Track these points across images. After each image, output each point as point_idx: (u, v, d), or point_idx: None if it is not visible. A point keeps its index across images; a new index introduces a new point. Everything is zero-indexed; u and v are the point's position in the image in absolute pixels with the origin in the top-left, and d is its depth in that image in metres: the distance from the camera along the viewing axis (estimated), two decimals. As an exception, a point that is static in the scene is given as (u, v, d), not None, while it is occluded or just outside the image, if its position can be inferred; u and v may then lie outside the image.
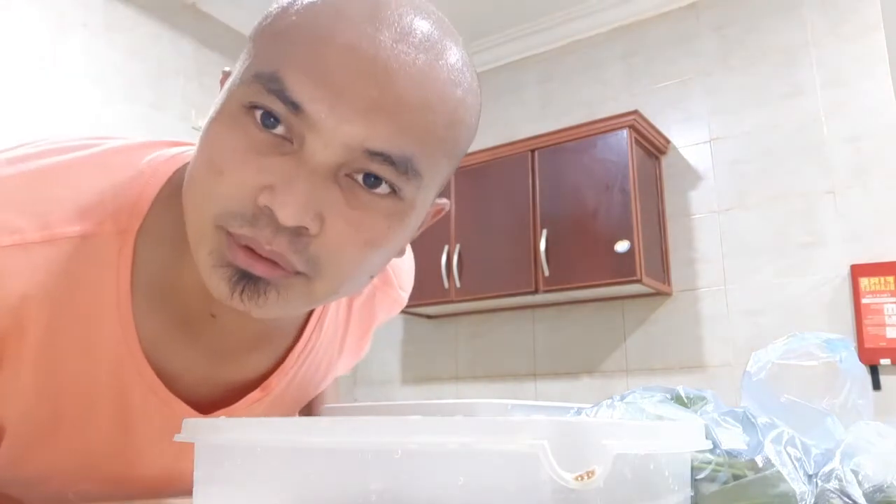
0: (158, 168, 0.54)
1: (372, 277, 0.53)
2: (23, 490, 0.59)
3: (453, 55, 0.47)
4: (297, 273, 0.46)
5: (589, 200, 2.72)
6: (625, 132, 2.70)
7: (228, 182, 0.44)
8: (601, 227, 2.66)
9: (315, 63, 0.43)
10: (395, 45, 0.44)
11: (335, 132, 0.43)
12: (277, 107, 0.43)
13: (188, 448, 0.53)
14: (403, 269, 0.77)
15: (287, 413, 0.68)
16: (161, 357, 0.55)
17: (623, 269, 2.59)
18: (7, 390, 0.50)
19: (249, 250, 0.45)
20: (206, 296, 0.51)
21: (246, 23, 3.21)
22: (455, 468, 0.32)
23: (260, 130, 0.44)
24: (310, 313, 0.63)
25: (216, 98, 0.49)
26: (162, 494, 0.63)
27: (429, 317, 3.40)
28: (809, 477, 0.43)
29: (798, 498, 0.41)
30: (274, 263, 0.45)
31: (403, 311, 3.22)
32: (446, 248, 3.01)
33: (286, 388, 0.64)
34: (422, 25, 0.46)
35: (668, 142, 2.94)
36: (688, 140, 2.92)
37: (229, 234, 0.45)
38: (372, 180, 0.45)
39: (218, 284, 0.47)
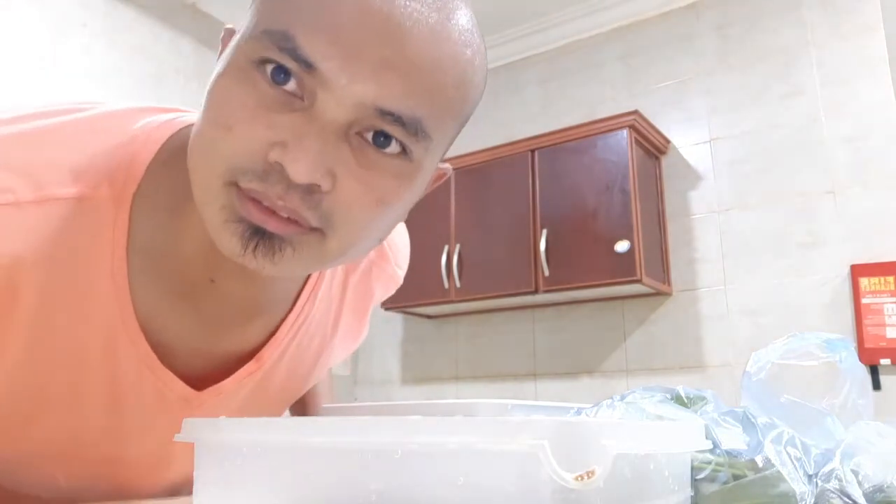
0: (152, 133, 0.53)
1: (380, 240, 0.53)
2: (12, 475, 0.58)
3: (463, 16, 0.47)
4: (312, 229, 0.46)
5: (589, 200, 2.72)
6: (625, 132, 2.70)
7: (238, 137, 0.43)
8: (601, 227, 2.66)
9: (328, 20, 0.42)
10: (407, 3, 0.43)
11: (347, 90, 0.42)
12: (289, 64, 0.42)
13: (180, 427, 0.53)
14: (399, 244, 0.75)
15: (276, 392, 0.66)
16: (155, 328, 0.53)
17: (623, 269, 2.59)
18: (1, 352, 0.49)
19: (263, 206, 0.44)
20: (206, 261, 0.51)
21: (246, 23, 3.20)
22: (455, 468, 0.32)
23: (270, 86, 0.43)
24: (303, 285, 0.62)
25: (221, 56, 0.48)
26: (156, 478, 0.61)
27: (429, 317, 3.40)
28: (809, 477, 0.43)
29: (798, 498, 0.41)
30: (288, 219, 0.45)
31: (403, 311, 3.24)
32: (446, 248, 3.01)
33: (278, 361, 0.62)
34: None
35: (668, 142, 2.94)
36: (688, 140, 2.92)
37: (240, 189, 0.44)
38: (381, 139, 0.45)
39: (230, 240, 0.45)
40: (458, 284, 2.95)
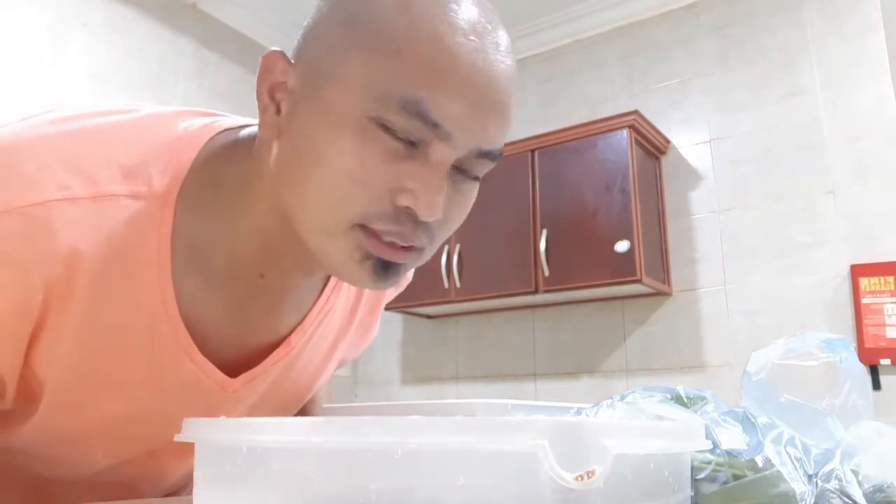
0: (195, 135, 0.57)
1: None
2: (54, 450, 0.61)
3: (508, 43, 0.53)
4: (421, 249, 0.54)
5: (589, 200, 2.72)
6: (625, 132, 2.70)
7: (370, 190, 0.50)
8: (601, 227, 2.66)
9: (449, 84, 0.48)
10: (495, 56, 0.50)
11: (463, 141, 0.50)
12: (415, 126, 0.48)
13: (214, 412, 0.61)
14: None
15: (294, 381, 0.70)
16: (196, 318, 0.57)
17: (623, 269, 2.59)
18: (52, 345, 0.52)
19: (393, 245, 0.52)
20: (260, 258, 0.57)
21: (246, 23, 3.21)
22: (455, 468, 0.32)
23: (393, 140, 0.49)
24: (325, 284, 0.67)
25: (303, 99, 0.52)
26: (186, 460, 0.65)
27: (429, 317, 3.40)
28: (809, 477, 0.43)
29: (798, 498, 0.41)
30: (407, 248, 0.53)
31: (403, 311, 3.24)
32: (446, 248, 3.01)
33: (303, 348, 0.67)
34: (502, 33, 0.53)
35: (668, 142, 2.94)
36: (688, 140, 2.92)
37: (368, 230, 0.51)
38: (466, 169, 0.53)
39: (362, 276, 0.53)
40: (458, 284, 2.95)
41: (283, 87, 0.53)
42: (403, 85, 0.47)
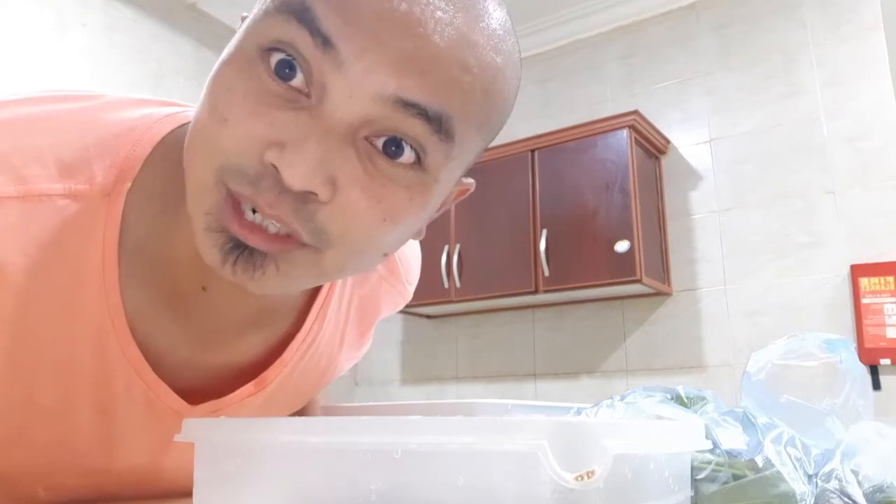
0: (153, 126, 0.48)
1: (386, 255, 0.48)
2: None
3: (495, 20, 0.43)
4: (303, 245, 0.42)
5: (589, 200, 2.72)
6: (625, 132, 2.70)
7: (233, 132, 0.39)
8: (601, 227, 2.66)
9: (352, 1, 0.38)
10: (435, 2, 0.39)
11: (364, 79, 0.38)
12: (303, 42, 0.38)
13: (173, 443, 0.52)
14: (410, 259, 0.71)
15: (279, 409, 0.63)
16: (145, 334, 0.49)
17: (623, 268, 2.59)
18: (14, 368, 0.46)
19: (245, 220, 0.41)
20: (199, 266, 0.46)
21: (246, 23, 3.20)
22: (455, 468, 0.32)
23: (273, 80, 0.39)
24: (312, 299, 0.58)
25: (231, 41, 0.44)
26: (141, 492, 0.58)
27: (429, 317, 3.40)
28: (809, 477, 0.43)
29: (798, 498, 0.41)
30: (275, 235, 0.41)
31: (403, 311, 3.23)
32: (446, 248, 3.01)
33: (283, 382, 0.58)
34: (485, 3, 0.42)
35: (668, 142, 2.94)
36: (688, 140, 2.92)
37: (228, 192, 0.41)
38: (393, 148, 0.40)
39: (209, 250, 0.42)
40: (458, 284, 2.95)
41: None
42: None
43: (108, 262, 0.46)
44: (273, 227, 0.41)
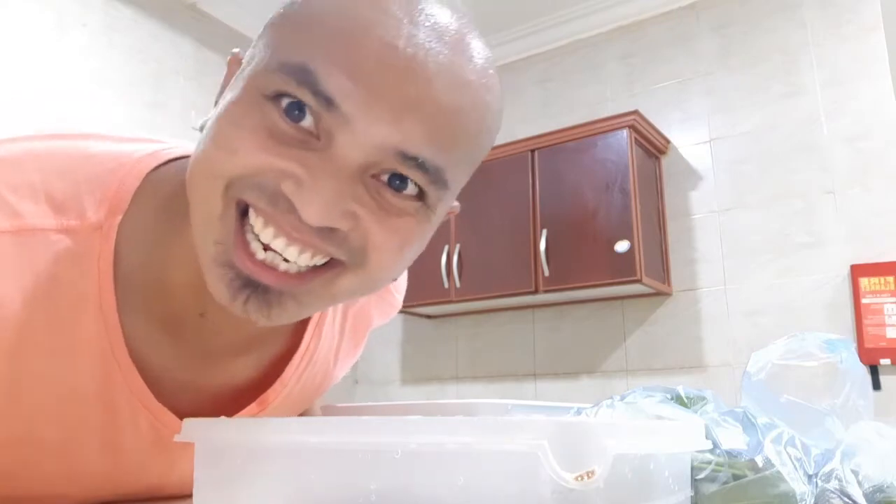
0: (139, 161, 0.50)
1: (394, 280, 0.50)
2: None
3: (481, 55, 0.45)
4: (326, 265, 0.44)
5: (589, 200, 2.72)
6: (625, 132, 2.70)
7: (244, 161, 0.41)
8: (601, 227, 2.66)
9: (350, 56, 0.40)
10: (431, 46, 0.41)
11: (368, 132, 0.40)
12: (307, 99, 0.40)
13: (179, 460, 0.54)
14: None
15: (284, 414, 0.64)
16: (145, 360, 0.50)
17: (623, 268, 2.59)
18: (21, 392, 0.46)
19: (256, 259, 0.42)
20: (196, 292, 0.48)
21: (246, 23, 3.21)
22: (455, 468, 0.32)
23: (284, 120, 0.41)
24: (307, 319, 0.58)
25: (227, 85, 0.45)
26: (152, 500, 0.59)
27: (429, 317, 3.40)
28: (809, 477, 0.43)
29: (798, 498, 0.41)
30: (284, 273, 0.42)
31: (403, 311, 3.23)
32: (446, 248, 3.01)
33: (283, 400, 0.60)
34: (453, 23, 0.43)
35: (668, 142, 2.94)
36: (688, 140, 2.92)
37: (238, 221, 0.42)
38: (398, 182, 0.43)
39: (217, 285, 0.42)
40: (458, 284, 2.95)
41: (231, 76, 0.47)
42: (295, 52, 0.41)
43: (105, 293, 0.47)
44: (285, 264, 0.42)
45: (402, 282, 0.75)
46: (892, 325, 2.36)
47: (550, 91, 3.35)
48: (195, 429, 0.42)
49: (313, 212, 0.40)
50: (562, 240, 2.74)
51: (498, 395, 3.11)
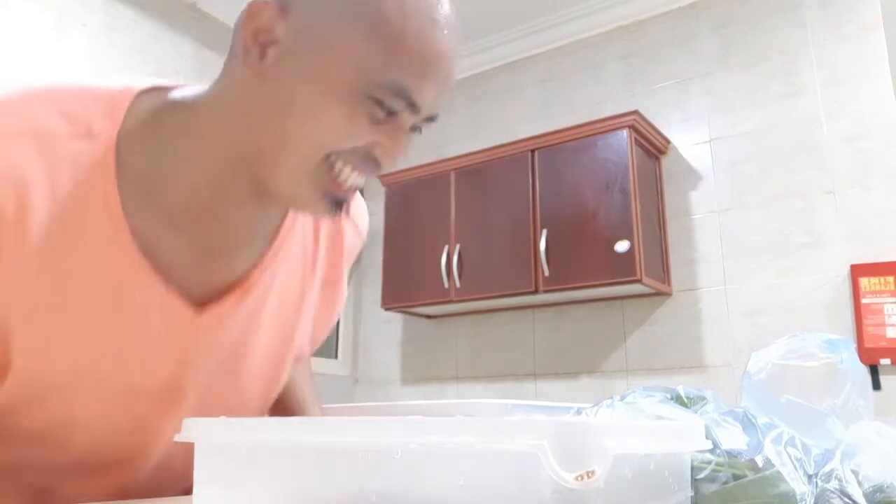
0: (125, 89, 0.61)
1: None
2: (35, 426, 0.61)
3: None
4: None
5: (589, 200, 2.72)
6: (625, 132, 2.70)
7: (354, 141, 0.58)
8: (601, 227, 2.66)
9: (426, 73, 0.57)
10: (456, 46, 0.60)
11: (424, 112, 0.60)
12: (400, 106, 0.57)
13: (191, 355, 0.64)
14: (362, 208, 0.89)
15: (268, 328, 0.72)
16: (155, 252, 0.60)
17: (623, 268, 2.59)
18: (12, 286, 0.55)
19: (346, 189, 0.60)
20: (213, 193, 0.61)
21: (246, 23, 3.20)
22: (455, 468, 0.32)
23: (380, 112, 0.57)
24: (281, 223, 0.71)
25: (305, 74, 0.57)
26: (170, 413, 0.66)
27: (429, 317, 3.40)
28: (809, 477, 0.43)
29: (798, 498, 0.41)
30: (354, 189, 0.62)
31: (403, 311, 3.24)
32: (446, 248, 3.01)
33: (268, 286, 0.70)
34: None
35: (668, 142, 2.94)
36: (688, 140, 2.92)
37: (335, 169, 0.58)
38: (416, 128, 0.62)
39: (319, 210, 0.61)
40: (458, 284, 2.95)
41: (268, 35, 0.57)
42: (398, 74, 0.56)
43: (110, 193, 0.57)
44: (356, 184, 0.61)
45: (363, 211, 0.89)
46: (892, 325, 2.36)
47: (550, 91, 3.35)
48: (195, 429, 0.42)
49: (388, 163, 0.60)
50: (562, 240, 2.74)
51: (498, 395, 3.11)
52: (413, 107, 0.58)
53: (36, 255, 0.55)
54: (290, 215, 0.72)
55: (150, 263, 0.59)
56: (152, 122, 0.60)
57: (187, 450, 0.43)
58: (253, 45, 0.58)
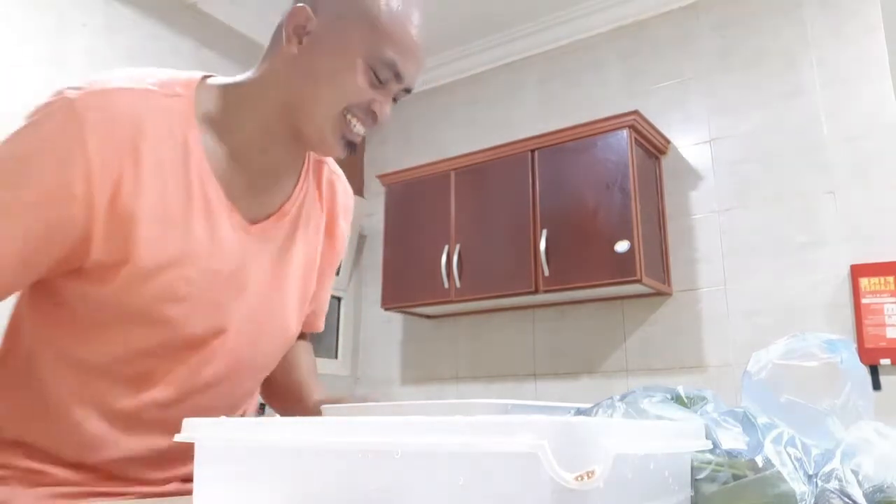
0: (191, 75, 0.87)
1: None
2: (143, 295, 0.78)
3: None
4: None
5: (589, 200, 2.72)
6: (625, 132, 2.70)
7: (363, 97, 0.83)
8: (601, 226, 2.66)
9: (409, 56, 0.84)
10: (424, 37, 0.86)
11: (405, 84, 0.86)
12: (391, 76, 0.83)
13: (249, 255, 0.87)
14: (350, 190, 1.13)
15: (299, 257, 0.95)
16: (220, 178, 0.84)
17: (623, 269, 2.59)
18: (133, 189, 0.75)
19: (358, 135, 0.86)
20: (260, 139, 0.86)
21: (246, 23, 3.21)
22: (455, 468, 0.32)
23: (377, 79, 0.83)
24: (301, 174, 0.96)
25: (330, 48, 0.83)
26: (237, 295, 0.86)
27: (429, 317, 3.40)
28: (809, 477, 0.43)
29: (798, 498, 0.41)
30: (361, 137, 0.87)
31: (403, 311, 3.24)
32: (446, 248, 3.01)
33: (297, 214, 0.94)
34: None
35: (668, 142, 2.94)
36: (688, 140, 2.92)
37: (351, 121, 0.84)
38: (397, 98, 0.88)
39: (338, 149, 0.86)
40: (458, 284, 2.95)
41: (304, 29, 0.83)
42: (389, 53, 0.82)
43: (191, 133, 0.81)
44: (360, 132, 0.86)
45: (351, 193, 1.11)
46: (892, 325, 2.36)
47: (550, 91, 3.35)
48: (195, 429, 0.42)
49: (384, 117, 0.86)
50: (562, 240, 2.74)
51: (498, 395, 3.11)
52: (398, 76, 0.84)
53: (149, 172, 0.76)
54: (306, 168, 0.96)
55: (220, 185, 0.83)
56: (218, 90, 0.86)
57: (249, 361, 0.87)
58: (293, 35, 0.83)
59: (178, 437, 0.43)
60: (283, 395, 1.07)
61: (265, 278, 0.89)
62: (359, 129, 0.85)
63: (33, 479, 0.81)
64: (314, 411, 0.98)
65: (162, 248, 0.77)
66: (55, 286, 0.80)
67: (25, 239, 0.72)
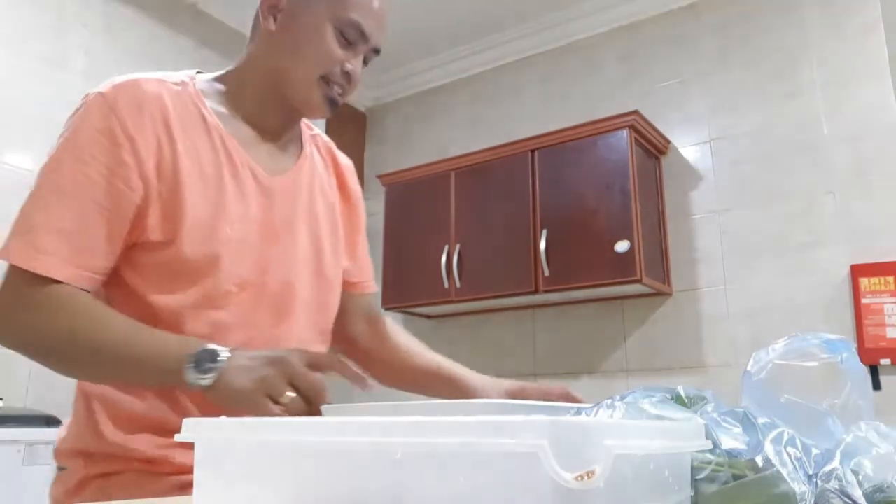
0: (193, 69, 1.04)
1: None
2: (195, 248, 0.88)
3: None
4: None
5: (589, 200, 2.72)
6: (625, 132, 2.70)
7: (335, 62, 0.96)
8: (601, 226, 2.66)
9: (373, 17, 0.97)
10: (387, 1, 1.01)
11: (372, 45, 0.99)
12: (357, 36, 0.96)
13: (276, 202, 0.99)
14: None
15: (316, 196, 1.07)
16: (240, 143, 0.97)
17: (623, 269, 2.59)
18: (172, 160, 0.89)
19: (338, 94, 0.98)
20: (256, 111, 1.00)
21: (246, 23, 3.20)
22: (455, 468, 0.32)
23: (345, 41, 0.96)
24: (301, 136, 1.10)
25: (301, 10, 0.96)
26: (275, 241, 0.98)
27: (429, 317, 3.40)
28: (809, 477, 0.43)
29: (798, 498, 0.41)
30: (340, 97, 0.99)
31: (403, 311, 3.24)
32: (446, 248, 3.01)
33: (310, 169, 1.07)
34: None
35: (668, 142, 2.94)
36: (688, 140, 2.92)
37: (329, 83, 0.96)
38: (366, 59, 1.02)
39: (324, 108, 0.97)
40: (458, 284, 2.95)
41: (276, 8, 0.97)
42: (352, 14, 0.95)
43: (205, 109, 0.95)
44: (342, 93, 0.99)
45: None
46: (892, 325, 2.36)
47: (550, 91, 3.35)
48: (195, 429, 0.42)
49: (356, 78, 0.99)
50: (562, 240, 2.74)
51: (498, 395, 3.10)
52: (363, 36, 0.96)
53: (180, 142, 0.90)
54: (306, 134, 1.11)
55: (239, 146, 0.96)
56: (215, 79, 1.02)
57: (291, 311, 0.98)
58: (268, 14, 0.97)
59: (178, 437, 0.43)
60: (422, 381, 1.37)
61: (295, 226, 1.01)
62: (338, 89, 0.97)
63: (153, 470, 0.87)
64: (494, 395, 1.17)
65: (205, 201, 0.90)
66: (127, 260, 0.89)
67: (108, 219, 0.85)
